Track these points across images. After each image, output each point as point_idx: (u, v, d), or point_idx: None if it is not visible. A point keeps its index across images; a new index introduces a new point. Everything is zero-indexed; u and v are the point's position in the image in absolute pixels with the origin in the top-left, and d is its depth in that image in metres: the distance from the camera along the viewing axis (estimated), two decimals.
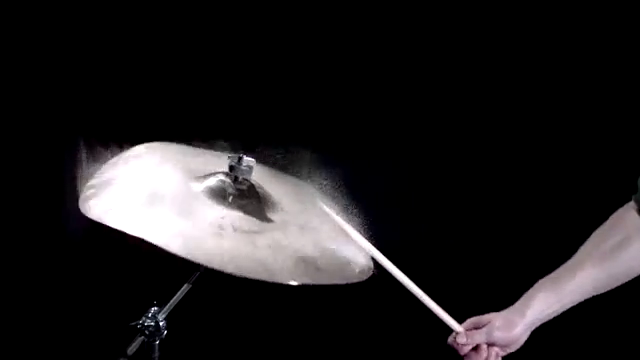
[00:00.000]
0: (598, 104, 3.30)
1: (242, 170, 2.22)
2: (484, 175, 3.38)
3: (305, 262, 2.12)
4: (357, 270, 2.20)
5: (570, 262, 2.27)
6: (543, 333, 2.33)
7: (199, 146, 2.38)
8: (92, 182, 2.21)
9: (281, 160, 2.37)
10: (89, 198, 2.17)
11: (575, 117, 3.32)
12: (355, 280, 2.18)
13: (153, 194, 2.14)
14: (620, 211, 2.31)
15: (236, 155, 2.22)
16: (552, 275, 2.26)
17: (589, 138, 3.31)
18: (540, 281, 2.25)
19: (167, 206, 2.12)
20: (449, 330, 2.22)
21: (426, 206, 3.40)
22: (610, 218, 2.31)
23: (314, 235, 2.21)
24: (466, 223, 3.41)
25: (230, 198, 2.18)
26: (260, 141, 2.36)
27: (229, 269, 2.03)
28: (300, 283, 2.07)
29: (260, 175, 2.29)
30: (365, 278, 2.19)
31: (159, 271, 2.85)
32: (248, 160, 2.22)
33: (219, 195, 2.20)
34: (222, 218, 2.15)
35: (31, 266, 3.35)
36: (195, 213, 2.13)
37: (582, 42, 3.28)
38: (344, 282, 2.16)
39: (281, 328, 3.36)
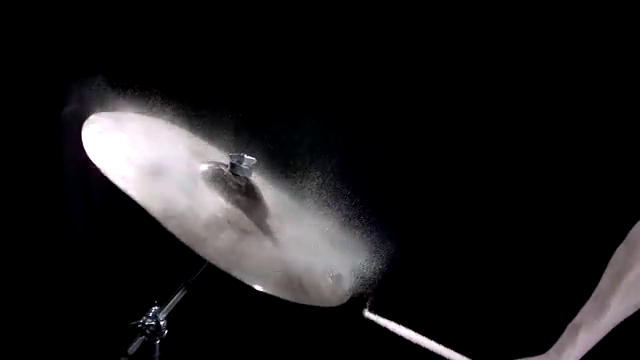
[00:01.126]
0: (602, 110, 3.29)
1: (242, 169, 2.23)
2: (490, 180, 3.37)
3: (289, 277, 2.14)
4: (336, 295, 2.23)
5: (594, 302, 2.28)
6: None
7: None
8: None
9: (285, 146, 2.38)
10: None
11: (578, 122, 3.31)
12: (333, 304, 2.21)
13: (159, 164, 2.15)
14: (634, 231, 2.30)
15: (237, 154, 2.23)
16: (580, 319, 2.27)
17: (590, 144, 3.30)
18: (569, 327, 2.27)
19: (170, 180, 2.13)
20: None
21: (426, 205, 3.40)
22: (625, 242, 2.30)
23: (304, 252, 2.23)
24: (467, 225, 3.40)
25: (226, 180, 2.20)
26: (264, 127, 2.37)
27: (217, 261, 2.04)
28: (272, 293, 2.09)
29: (262, 184, 2.31)
30: (341, 303, 2.22)
31: (159, 271, 2.85)
32: (249, 159, 2.24)
33: (219, 184, 2.21)
34: (221, 209, 2.16)
35: (31, 266, 3.34)
36: (195, 194, 2.14)
37: (584, 44, 3.28)
38: (320, 304, 2.19)
39: (281, 327, 3.36)
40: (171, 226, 2.01)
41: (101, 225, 3.31)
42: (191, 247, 2.01)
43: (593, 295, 2.27)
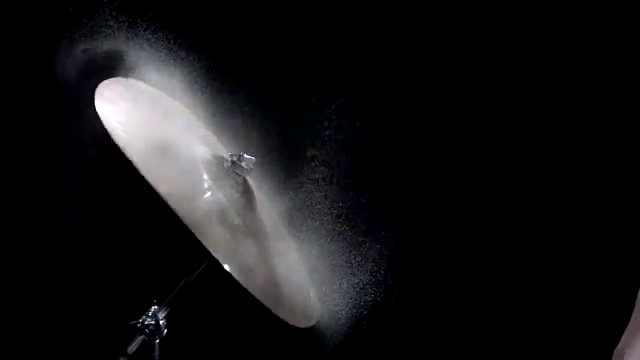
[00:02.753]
0: (603, 111, 3.28)
1: (242, 167, 2.24)
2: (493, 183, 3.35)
3: (271, 288, 2.16)
4: (306, 316, 2.25)
5: (633, 324, 2.24)
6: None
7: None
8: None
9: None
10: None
11: (581, 123, 3.30)
12: (302, 325, 2.23)
13: (166, 143, 2.16)
14: None
15: (237, 152, 2.24)
16: (623, 343, 2.24)
17: (591, 145, 3.29)
18: (615, 354, 2.23)
19: (173, 162, 2.13)
20: None
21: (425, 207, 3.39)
22: None
23: (286, 265, 2.24)
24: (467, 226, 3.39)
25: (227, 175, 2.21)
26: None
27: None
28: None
29: (258, 189, 2.32)
30: (309, 325, 2.24)
31: (159, 270, 2.85)
32: (249, 158, 2.25)
33: (219, 176, 2.23)
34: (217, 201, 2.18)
35: (30, 265, 3.34)
36: (195, 180, 2.15)
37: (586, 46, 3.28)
38: (292, 322, 2.21)
39: (282, 326, 3.35)
40: (175, 206, 2.01)
41: (100, 223, 3.31)
42: (194, 231, 2.01)
43: (632, 317, 2.26)
